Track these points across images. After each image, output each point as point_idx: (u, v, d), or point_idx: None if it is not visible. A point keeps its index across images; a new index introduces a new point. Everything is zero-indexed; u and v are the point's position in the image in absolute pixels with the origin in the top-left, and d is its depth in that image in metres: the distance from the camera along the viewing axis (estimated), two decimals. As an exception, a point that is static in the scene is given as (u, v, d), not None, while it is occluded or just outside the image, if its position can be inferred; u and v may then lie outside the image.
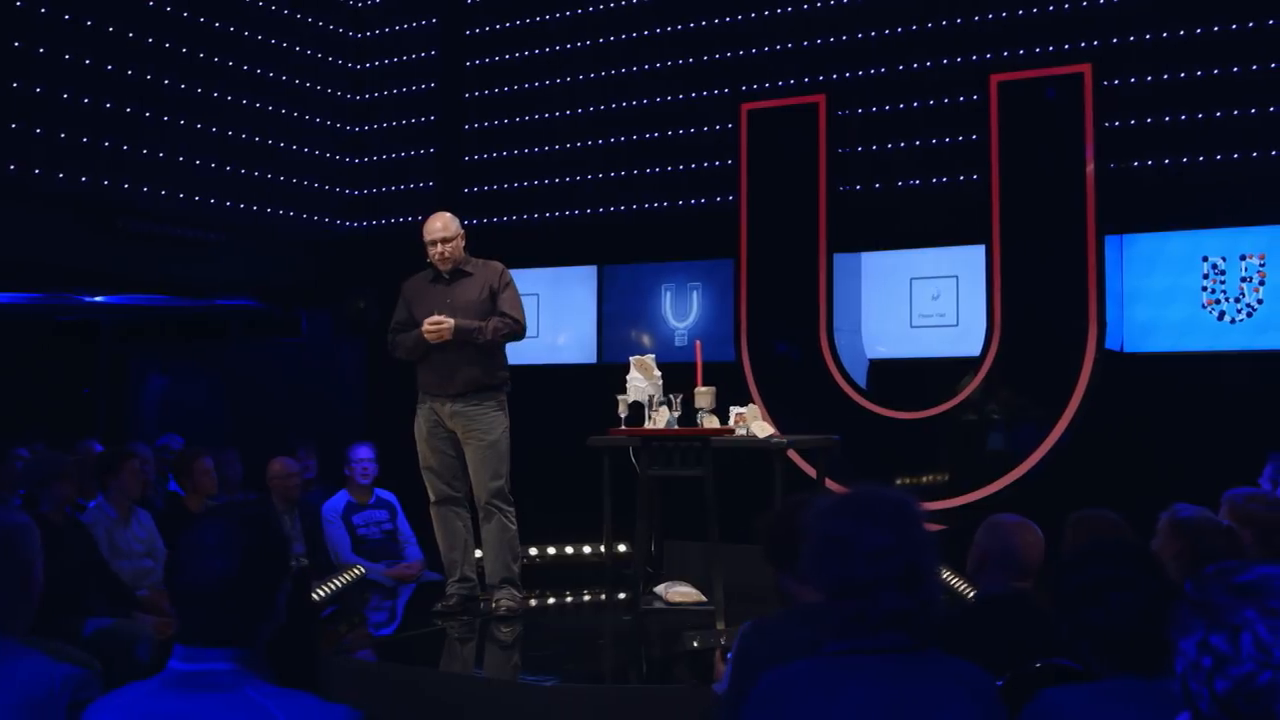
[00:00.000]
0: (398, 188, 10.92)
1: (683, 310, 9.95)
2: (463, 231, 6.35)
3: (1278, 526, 4.54)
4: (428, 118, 10.83)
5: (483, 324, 6.10)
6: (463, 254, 6.31)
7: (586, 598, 7.07)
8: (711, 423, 6.55)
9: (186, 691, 2.18)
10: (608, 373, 8.46)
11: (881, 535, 2.44)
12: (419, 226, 10.53)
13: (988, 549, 3.64)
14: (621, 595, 6.55)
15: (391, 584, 7.37)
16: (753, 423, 6.48)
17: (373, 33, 11.11)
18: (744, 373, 9.04)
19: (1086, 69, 8.05)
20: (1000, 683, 2.91)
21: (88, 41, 8.77)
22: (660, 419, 6.51)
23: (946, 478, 8.57)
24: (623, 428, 5.92)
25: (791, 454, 8.39)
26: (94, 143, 8.76)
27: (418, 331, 6.09)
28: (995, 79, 8.32)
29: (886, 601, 2.40)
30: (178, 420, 12.06)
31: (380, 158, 11.02)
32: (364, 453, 7.61)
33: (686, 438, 5.75)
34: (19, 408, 11.56)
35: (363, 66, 11.10)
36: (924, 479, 8.61)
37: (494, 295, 6.22)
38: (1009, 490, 8.22)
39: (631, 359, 6.73)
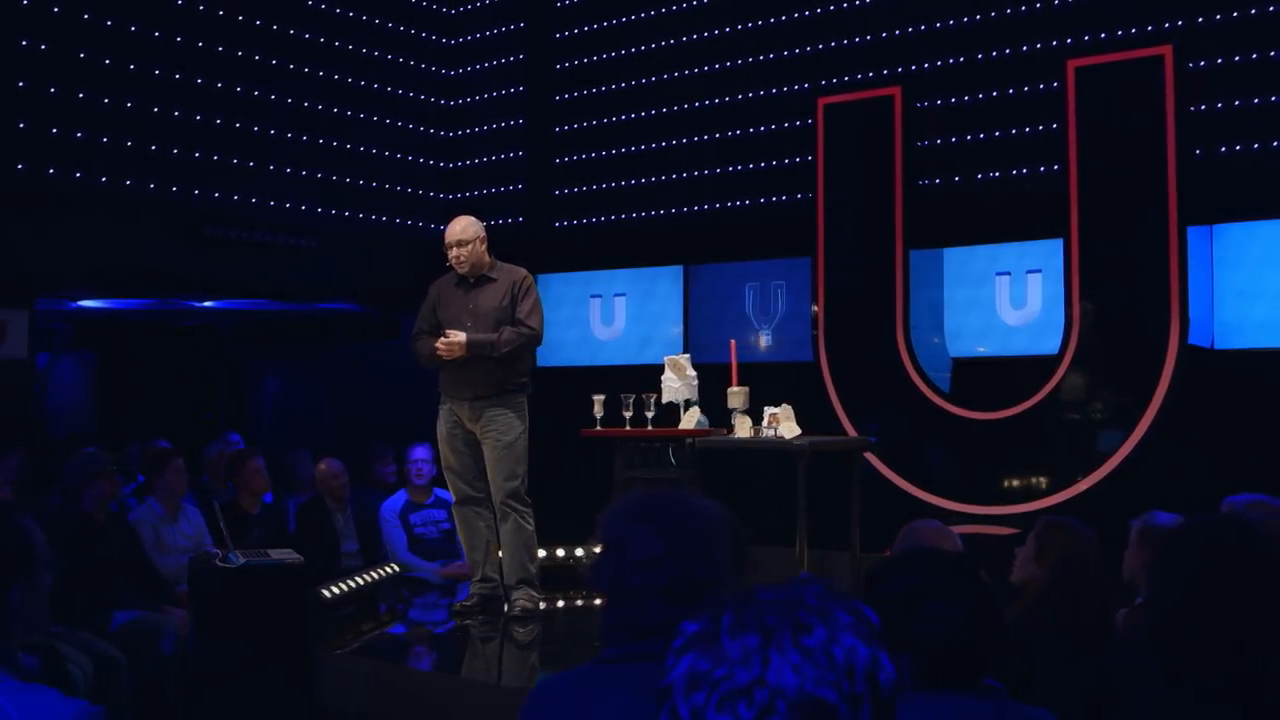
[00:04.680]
0: (489, 191, 11.05)
1: (767, 309, 9.82)
2: (483, 236, 6.33)
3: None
4: (517, 121, 10.94)
5: (494, 337, 6.10)
6: (486, 259, 6.31)
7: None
8: (744, 423, 6.46)
9: None
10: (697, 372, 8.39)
11: (652, 543, 2.35)
12: (511, 229, 10.77)
13: (902, 555, 3.48)
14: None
15: (444, 583, 7.46)
16: (783, 423, 6.35)
17: (462, 39, 11.27)
18: (822, 372, 8.87)
19: (1167, 51, 7.64)
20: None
21: (178, 56, 9.10)
22: (690, 419, 6.46)
23: (1027, 479, 8.26)
24: (598, 428, 5.86)
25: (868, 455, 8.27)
26: (184, 154, 9.09)
27: (431, 344, 6.13)
28: (1072, 64, 7.98)
29: (654, 612, 2.31)
30: (289, 421, 12.47)
31: (472, 162, 11.17)
32: (420, 453, 7.72)
33: (663, 438, 5.66)
34: (147, 407, 12.11)
35: (453, 72, 11.27)
36: (1003, 481, 8.31)
37: (515, 302, 6.21)
38: (1092, 491, 7.88)
39: (666, 358, 6.69)
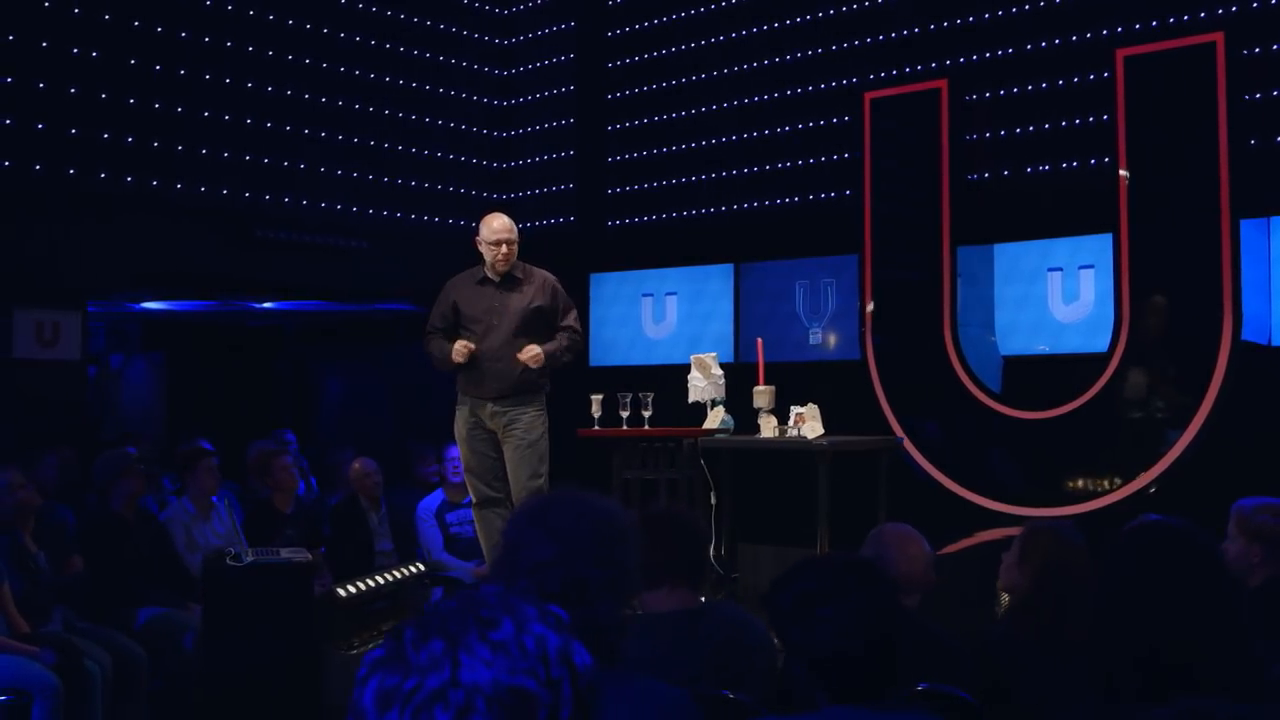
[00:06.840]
0: (541, 190, 11.05)
1: (817, 307, 9.70)
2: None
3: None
4: (568, 120, 10.93)
5: (557, 346, 6.07)
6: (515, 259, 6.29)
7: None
8: (769, 423, 6.37)
9: None
10: (744, 371, 8.31)
11: (544, 547, 2.29)
12: (562, 229, 10.76)
13: (868, 559, 3.38)
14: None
15: (479, 582, 7.46)
16: (808, 423, 6.24)
17: (514, 39, 11.28)
18: (869, 371, 8.74)
19: (1218, 38, 7.41)
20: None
21: (227, 61, 9.21)
22: (714, 419, 6.39)
23: (1075, 480, 8.05)
24: (595, 428, 5.79)
25: (909, 446, 8.19)
26: (234, 157, 9.20)
27: (449, 348, 6.07)
28: (1121, 54, 7.77)
29: None
30: (350, 420, 12.58)
31: (524, 162, 11.18)
32: (456, 452, 7.71)
33: (661, 438, 5.58)
34: (214, 407, 12.29)
35: (505, 72, 11.28)
36: (1051, 481, 8.10)
37: (544, 304, 6.14)
38: (1143, 492, 7.67)
39: (692, 357, 6.62)
